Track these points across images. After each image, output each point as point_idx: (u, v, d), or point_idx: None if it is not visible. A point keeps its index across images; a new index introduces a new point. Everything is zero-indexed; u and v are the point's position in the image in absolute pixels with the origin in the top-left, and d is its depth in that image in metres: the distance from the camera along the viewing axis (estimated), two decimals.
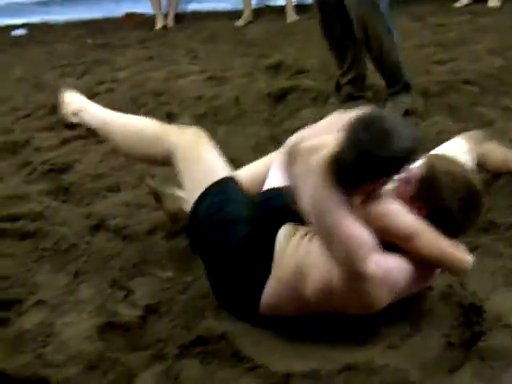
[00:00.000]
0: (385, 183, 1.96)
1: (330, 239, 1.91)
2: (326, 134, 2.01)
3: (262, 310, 2.12)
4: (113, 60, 6.09)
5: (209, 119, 4.11)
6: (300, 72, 4.87)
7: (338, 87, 4.16)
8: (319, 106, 4.11)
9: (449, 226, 2.00)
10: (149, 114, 4.22)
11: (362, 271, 1.88)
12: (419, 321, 2.11)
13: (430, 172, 2.02)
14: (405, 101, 3.84)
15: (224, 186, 2.36)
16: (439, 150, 2.58)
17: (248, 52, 5.81)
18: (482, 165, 2.69)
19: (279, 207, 2.22)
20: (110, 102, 4.60)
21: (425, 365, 1.93)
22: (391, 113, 1.91)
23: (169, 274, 2.53)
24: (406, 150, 1.82)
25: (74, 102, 2.87)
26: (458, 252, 2.00)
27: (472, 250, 2.35)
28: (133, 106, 4.52)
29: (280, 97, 4.38)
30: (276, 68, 5.07)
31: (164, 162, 2.58)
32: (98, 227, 2.92)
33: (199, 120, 4.07)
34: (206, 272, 2.31)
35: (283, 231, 2.14)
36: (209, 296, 2.31)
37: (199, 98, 4.54)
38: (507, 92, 4.03)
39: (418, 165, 2.06)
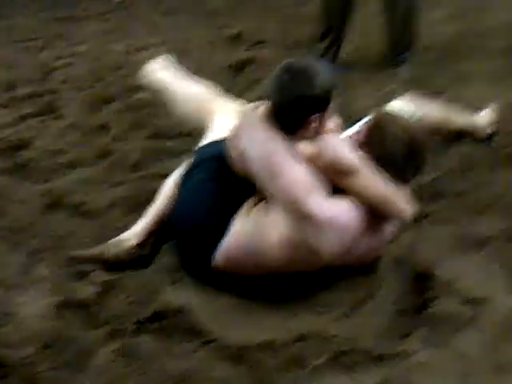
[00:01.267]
0: (320, 123, 2.08)
1: (272, 184, 2.00)
2: None
3: (217, 261, 2.14)
4: (72, 34, 6.00)
5: None
6: (260, 42, 4.86)
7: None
8: None
9: (394, 174, 2.06)
10: (108, 87, 4.21)
11: (305, 210, 1.95)
12: (371, 289, 2.15)
13: (376, 123, 2.13)
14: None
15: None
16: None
17: (208, 23, 5.76)
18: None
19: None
20: (69, 77, 4.57)
21: (376, 332, 1.98)
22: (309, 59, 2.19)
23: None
24: (326, 86, 2.06)
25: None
26: (399, 198, 2.05)
27: (422, 217, 2.41)
28: (92, 79, 4.47)
29: (239, 68, 4.36)
30: (236, 39, 5.05)
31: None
32: (55, 205, 2.89)
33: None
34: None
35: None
36: (165, 271, 2.32)
37: None
38: (463, 57, 4.06)
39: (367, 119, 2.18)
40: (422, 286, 2.10)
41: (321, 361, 1.90)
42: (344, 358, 1.89)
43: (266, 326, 2.06)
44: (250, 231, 2.08)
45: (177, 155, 3.26)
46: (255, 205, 2.14)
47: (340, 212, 1.99)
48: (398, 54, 3.97)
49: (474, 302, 2.02)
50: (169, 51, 4.95)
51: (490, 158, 2.85)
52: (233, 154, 2.18)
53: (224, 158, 2.22)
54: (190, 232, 2.21)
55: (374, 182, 2.03)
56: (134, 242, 2.44)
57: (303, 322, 2.05)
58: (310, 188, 1.98)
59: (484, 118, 2.95)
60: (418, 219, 2.13)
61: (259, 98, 3.65)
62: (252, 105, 2.23)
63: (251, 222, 2.09)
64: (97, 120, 3.74)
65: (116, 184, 3.05)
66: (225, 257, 2.13)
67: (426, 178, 2.67)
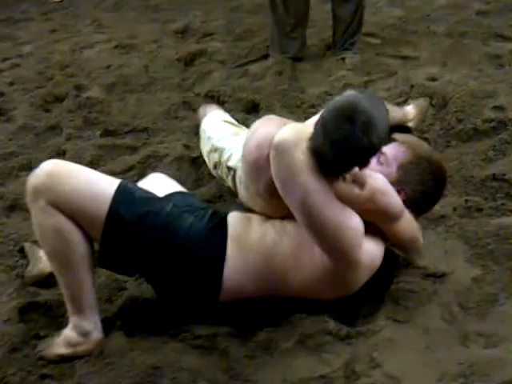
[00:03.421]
0: (365, 167, 1.90)
1: (325, 233, 1.87)
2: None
3: (223, 295, 2.00)
4: (16, 35, 5.87)
5: (119, 89, 4.04)
6: (207, 35, 4.85)
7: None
8: (228, 68, 4.12)
9: (421, 207, 2.08)
10: (57, 86, 4.15)
11: (356, 260, 1.89)
12: None
13: (411, 157, 2.05)
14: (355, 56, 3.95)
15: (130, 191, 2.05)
16: None
17: (154, 18, 5.72)
18: None
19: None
20: (17, 78, 4.49)
21: (341, 313, 2.01)
22: (365, 96, 1.81)
23: None
24: (383, 137, 1.81)
25: None
26: (420, 235, 2.07)
27: None
28: (40, 79, 4.40)
29: (189, 61, 4.36)
30: (183, 32, 5.03)
31: None
32: (11, 208, 2.86)
33: (109, 90, 4.02)
34: (150, 277, 2.06)
35: (234, 217, 2.08)
36: None
37: (107, 67, 4.46)
38: (407, 41, 4.13)
39: (391, 146, 2.08)
40: (383, 264, 2.14)
41: (289, 344, 1.92)
42: (311, 340, 1.92)
43: (233, 316, 2.07)
44: (260, 254, 1.98)
45: (131, 151, 3.25)
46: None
47: (378, 256, 1.98)
48: (347, 40, 4.01)
49: (435, 276, 2.08)
50: (116, 47, 4.96)
51: (444, 135, 2.92)
52: (254, 173, 2.04)
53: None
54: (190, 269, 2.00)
55: (410, 223, 2.01)
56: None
57: (269, 308, 2.07)
58: (359, 235, 1.89)
59: (409, 111, 2.99)
60: None
61: (210, 91, 3.71)
62: (287, 136, 1.88)
63: (258, 247, 1.98)
64: (48, 120, 3.69)
65: None
66: (231, 287, 1.99)
67: None
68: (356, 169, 1.85)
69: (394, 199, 1.94)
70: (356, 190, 1.89)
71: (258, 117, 2.48)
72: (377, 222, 1.96)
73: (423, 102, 3.07)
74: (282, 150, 1.86)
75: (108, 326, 2.07)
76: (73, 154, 3.22)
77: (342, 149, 1.76)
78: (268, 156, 1.91)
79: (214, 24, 5.09)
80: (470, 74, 3.50)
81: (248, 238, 2.01)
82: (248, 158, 2.05)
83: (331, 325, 1.94)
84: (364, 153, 1.78)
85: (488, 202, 2.43)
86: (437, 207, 2.38)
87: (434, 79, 3.46)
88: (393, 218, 1.95)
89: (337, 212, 1.86)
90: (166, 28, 5.24)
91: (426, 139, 2.78)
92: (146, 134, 3.42)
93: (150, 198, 2.08)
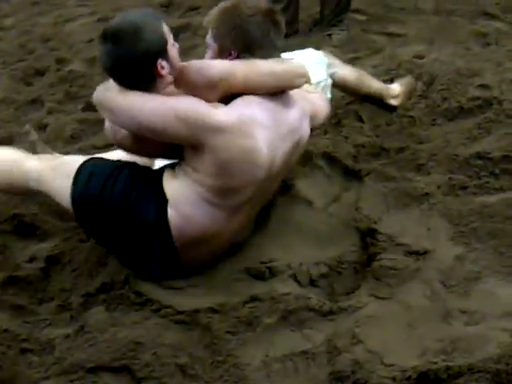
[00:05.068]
0: (171, 65, 2.01)
1: (169, 128, 1.94)
2: None
3: (178, 244, 2.05)
4: None
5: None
6: (192, 9, 4.79)
7: None
8: None
9: (262, 43, 2.08)
10: (38, 60, 4.10)
11: (211, 123, 1.92)
12: (317, 247, 2.17)
13: (214, 20, 2.13)
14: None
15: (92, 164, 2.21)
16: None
17: None
18: (339, 84, 2.82)
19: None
20: None
21: (323, 289, 2.01)
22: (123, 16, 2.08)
23: (69, 223, 2.48)
24: (154, 34, 1.98)
25: None
26: (283, 67, 2.06)
27: (364, 175, 2.44)
28: (21, 53, 4.34)
29: (173, 36, 4.28)
30: (168, 6, 4.97)
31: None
32: None
33: (91, 64, 3.97)
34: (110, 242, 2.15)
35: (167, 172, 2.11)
36: None
37: (90, 41, 4.41)
38: (394, 19, 4.11)
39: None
40: (366, 241, 2.14)
41: (271, 320, 1.92)
42: (294, 316, 1.92)
43: (214, 291, 2.06)
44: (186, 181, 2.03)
45: None
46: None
47: (247, 105, 1.99)
48: (334, 17, 3.98)
49: (418, 254, 2.07)
50: (98, 21, 4.89)
51: (429, 114, 2.90)
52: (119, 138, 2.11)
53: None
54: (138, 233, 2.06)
55: (255, 69, 2.02)
56: None
57: (251, 286, 2.06)
58: (205, 105, 1.95)
59: (394, 88, 2.98)
60: (360, 177, 2.15)
61: None
62: (97, 89, 2.09)
63: (185, 179, 2.03)
64: (29, 94, 3.65)
65: None
66: (181, 223, 2.03)
67: (366, 135, 2.72)
68: (161, 71, 1.98)
69: (205, 66, 1.99)
70: (171, 86, 2.02)
71: None
72: (225, 92, 1.99)
73: (409, 79, 3.06)
74: (96, 100, 2.05)
75: (89, 301, 2.06)
76: (54, 127, 3.19)
77: (107, 64, 1.99)
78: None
79: None
80: (457, 52, 3.49)
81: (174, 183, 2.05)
82: (108, 132, 2.16)
83: (314, 301, 1.94)
84: (132, 60, 1.95)
85: (472, 180, 2.42)
86: (420, 185, 2.38)
87: (420, 57, 3.44)
88: (222, 82, 1.96)
89: (159, 104, 1.96)
90: (151, 1, 5.17)
91: (411, 117, 2.77)
92: None
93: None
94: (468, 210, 2.23)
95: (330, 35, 3.90)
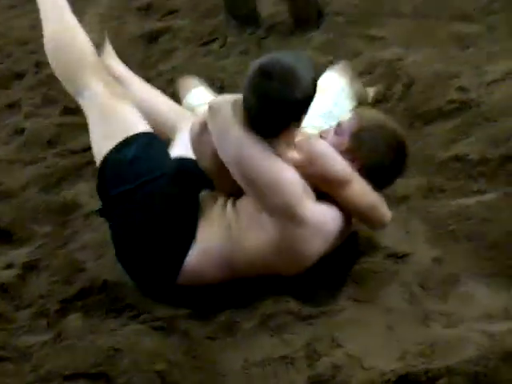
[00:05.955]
0: (299, 125, 1.95)
1: (262, 188, 1.88)
2: None
3: (181, 278, 2.01)
4: None
5: None
6: (171, 12, 4.76)
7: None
8: (193, 46, 4.05)
9: (379, 179, 2.04)
10: (16, 63, 4.06)
11: (299, 214, 1.87)
12: None
13: (363, 125, 2.04)
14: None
15: (144, 140, 2.18)
16: (323, 93, 2.63)
17: None
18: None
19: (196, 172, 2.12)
20: None
21: (303, 293, 2.00)
22: (286, 53, 1.94)
23: (46, 228, 2.47)
24: (309, 88, 1.87)
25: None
26: (382, 206, 2.04)
27: None
28: None
29: (152, 39, 4.28)
30: (146, 9, 4.94)
31: None
32: None
33: None
34: (116, 235, 2.09)
35: (202, 198, 2.07)
36: (88, 248, 2.28)
37: None
38: (373, 22, 4.11)
39: (347, 118, 2.09)
40: (345, 244, 2.13)
41: (250, 325, 1.91)
42: (273, 321, 1.91)
43: (192, 299, 2.05)
44: (223, 238, 1.98)
45: None
46: (218, 202, 2.04)
47: (329, 219, 1.95)
48: (310, 20, 3.97)
49: (397, 257, 2.08)
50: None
51: (408, 116, 2.91)
52: (201, 149, 2.04)
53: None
54: (149, 250, 2.03)
55: (364, 190, 1.98)
56: None
57: (230, 291, 2.05)
58: (303, 192, 1.89)
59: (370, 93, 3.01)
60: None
61: (174, 69, 3.65)
62: (222, 98, 2.03)
63: (221, 230, 1.98)
64: (7, 98, 3.62)
65: (31, 162, 2.97)
66: (192, 276, 2.01)
67: None
68: (292, 132, 1.91)
69: (336, 163, 1.94)
70: (294, 153, 1.93)
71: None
72: (323, 189, 1.94)
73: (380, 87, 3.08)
74: (215, 109, 1.95)
75: (67, 307, 2.05)
76: (32, 132, 3.16)
77: (265, 102, 1.84)
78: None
79: (178, 1, 4.99)
80: (435, 54, 3.49)
81: (211, 219, 2.00)
82: (191, 135, 2.06)
83: (292, 305, 1.94)
84: (287, 106, 1.85)
85: (450, 182, 2.43)
86: (399, 188, 2.39)
87: (399, 59, 3.45)
88: (337, 182, 1.93)
89: (270, 163, 1.89)
90: (130, 4, 5.13)
91: None
92: None
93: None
94: (446, 212, 2.24)
95: (307, 39, 3.89)
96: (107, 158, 2.13)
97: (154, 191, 2.05)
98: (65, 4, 2.48)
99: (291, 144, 1.94)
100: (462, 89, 3.00)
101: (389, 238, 2.15)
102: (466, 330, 1.78)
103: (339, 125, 2.06)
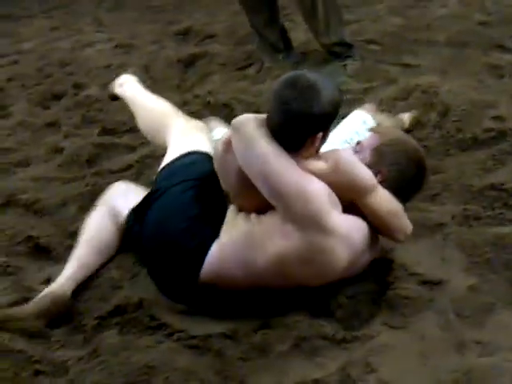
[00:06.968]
0: (323, 139, 2.00)
1: (290, 200, 1.90)
2: None
3: (203, 276, 2.04)
4: (17, 31, 5.89)
5: None
6: (209, 37, 4.86)
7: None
8: (228, 71, 4.11)
9: (401, 192, 2.05)
10: (56, 84, 4.15)
11: (326, 224, 1.89)
12: None
13: (382, 140, 2.08)
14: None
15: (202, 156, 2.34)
16: (346, 124, 2.68)
17: (155, 18, 5.73)
18: None
19: None
20: (16, 75, 4.49)
21: (339, 317, 2.00)
22: (314, 73, 2.02)
23: None
24: (334, 101, 1.94)
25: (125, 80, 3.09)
26: (404, 216, 2.05)
27: None
28: (39, 77, 4.40)
29: (189, 63, 4.36)
30: (184, 34, 5.04)
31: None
32: (7, 204, 2.84)
33: (107, 89, 4.00)
34: (144, 233, 2.18)
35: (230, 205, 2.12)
36: (124, 266, 2.31)
37: (107, 66, 4.47)
38: (408, 50, 4.13)
39: (366, 137, 2.13)
40: (380, 271, 2.13)
41: (284, 347, 1.91)
42: (307, 344, 1.91)
43: (226, 317, 2.06)
44: (245, 238, 2.00)
45: (129, 150, 3.25)
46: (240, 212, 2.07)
47: (355, 229, 1.97)
48: (344, 48, 4.00)
49: (432, 283, 2.07)
50: (116, 47, 4.96)
51: (443, 144, 2.92)
52: (225, 167, 2.09)
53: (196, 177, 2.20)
54: (171, 253, 2.09)
55: (387, 197, 2.00)
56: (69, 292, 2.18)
57: (263, 312, 2.06)
58: (330, 202, 1.92)
59: (407, 120, 3.03)
60: None
61: (210, 93, 3.71)
62: (244, 116, 2.08)
63: (244, 231, 2.01)
64: (46, 117, 3.69)
65: (69, 181, 3.02)
66: (213, 272, 2.03)
67: None
68: (315, 146, 1.96)
69: (360, 171, 1.97)
70: (319, 163, 1.97)
71: None
72: (348, 197, 1.97)
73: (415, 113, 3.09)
74: (238, 125, 2.01)
75: (102, 324, 2.07)
76: (70, 151, 3.22)
77: (286, 113, 1.91)
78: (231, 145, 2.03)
79: (216, 26, 5.09)
80: (470, 83, 3.50)
81: (237, 220, 2.05)
82: (215, 155, 2.14)
83: (327, 328, 1.94)
84: (305, 118, 1.90)
85: (486, 211, 2.42)
86: (434, 215, 2.39)
87: (434, 87, 3.46)
88: (362, 190, 1.96)
89: (296, 176, 1.92)
90: (168, 29, 5.25)
91: (424, 147, 2.78)
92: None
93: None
94: (482, 240, 2.23)
95: (345, 65, 3.92)
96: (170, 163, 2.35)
97: (186, 190, 2.17)
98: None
99: (314, 156, 2.00)
100: (497, 118, 3.01)
101: (424, 265, 2.15)
102: (501, 359, 1.76)
103: (359, 143, 2.11)
